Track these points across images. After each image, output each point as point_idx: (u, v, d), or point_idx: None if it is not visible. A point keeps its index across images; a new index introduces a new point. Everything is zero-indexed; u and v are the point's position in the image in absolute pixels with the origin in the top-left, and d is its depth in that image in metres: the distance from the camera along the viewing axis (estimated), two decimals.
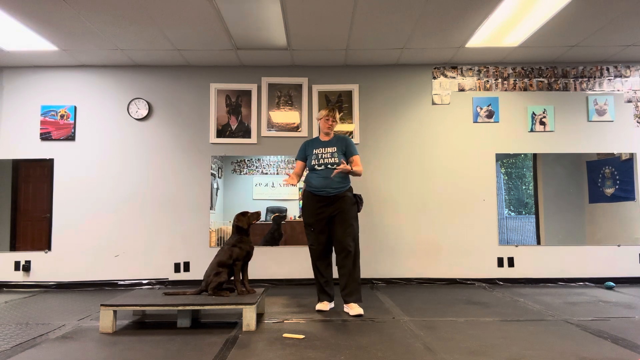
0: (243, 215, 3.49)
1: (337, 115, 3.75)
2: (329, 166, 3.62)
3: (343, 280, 3.57)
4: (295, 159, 3.85)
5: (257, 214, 3.54)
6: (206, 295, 3.32)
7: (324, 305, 3.65)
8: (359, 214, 3.77)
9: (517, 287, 4.79)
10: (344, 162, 3.55)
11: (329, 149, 3.69)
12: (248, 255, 3.44)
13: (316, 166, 3.65)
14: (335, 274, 3.77)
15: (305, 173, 3.86)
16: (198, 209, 5.03)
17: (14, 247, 4.96)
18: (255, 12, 3.91)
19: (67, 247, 4.97)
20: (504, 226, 5.03)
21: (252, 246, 3.48)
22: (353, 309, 3.50)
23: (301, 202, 3.84)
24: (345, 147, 3.74)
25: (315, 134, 5.09)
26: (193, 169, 5.08)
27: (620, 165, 5.05)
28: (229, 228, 5.02)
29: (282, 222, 5.00)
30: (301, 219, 4.99)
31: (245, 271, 3.47)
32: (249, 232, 3.50)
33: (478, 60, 5.10)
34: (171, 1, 3.70)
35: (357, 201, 3.71)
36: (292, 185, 3.56)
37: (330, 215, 3.63)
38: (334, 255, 3.70)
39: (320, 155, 3.67)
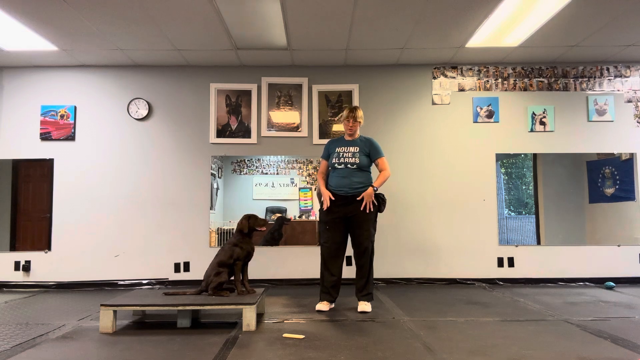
0: (248, 219, 3.48)
1: (359, 114, 3.69)
2: (349, 166, 3.62)
3: (358, 280, 3.66)
4: (321, 158, 3.87)
5: (264, 222, 3.47)
6: (206, 295, 3.32)
7: (324, 305, 3.65)
8: (381, 213, 3.79)
9: (517, 287, 4.79)
10: (366, 197, 3.53)
11: (352, 149, 3.67)
12: (249, 256, 3.44)
13: (336, 165, 3.66)
14: (345, 274, 3.79)
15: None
16: (198, 209, 5.03)
17: (14, 247, 4.96)
18: (255, 12, 3.91)
19: (67, 247, 4.97)
20: (504, 226, 5.03)
21: (253, 247, 3.47)
22: (360, 305, 3.60)
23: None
24: (369, 148, 3.69)
25: (315, 134, 5.09)
26: (193, 169, 5.08)
27: (620, 165, 5.05)
28: (226, 227, 5.03)
29: (286, 223, 4.99)
30: (301, 219, 5.00)
31: (245, 271, 3.47)
32: (251, 235, 3.49)
33: (478, 60, 5.10)
34: (171, 1, 3.70)
35: (379, 201, 3.67)
36: (330, 200, 3.60)
37: (347, 216, 3.62)
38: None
39: (341, 154, 3.67)
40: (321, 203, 3.75)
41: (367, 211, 3.56)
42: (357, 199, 3.57)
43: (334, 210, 3.63)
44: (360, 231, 3.59)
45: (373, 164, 3.74)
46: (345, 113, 3.71)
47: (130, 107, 5.09)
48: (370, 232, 3.61)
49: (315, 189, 5.00)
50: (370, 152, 3.70)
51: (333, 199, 3.60)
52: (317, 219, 4.89)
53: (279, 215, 3.61)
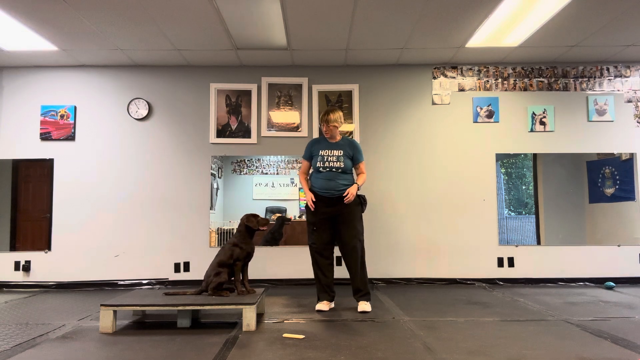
0: (254, 216, 3.49)
1: (332, 118, 3.61)
2: (334, 170, 3.62)
3: (353, 281, 3.67)
4: (302, 158, 3.84)
5: (266, 222, 3.50)
6: (206, 295, 3.32)
7: (324, 305, 3.65)
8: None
9: (517, 287, 4.79)
10: (351, 191, 3.53)
11: (336, 152, 3.65)
12: (248, 256, 3.44)
13: (321, 168, 3.64)
14: (337, 274, 3.79)
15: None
16: (198, 209, 5.03)
17: (14, 247, 4.96)
18: (255, 12, 3.91)
19: (67, 247, 4.97)
20: (504, 226, 5.03)
21: (253, 247, 3.47)
22: (360, 305, 3.61)
23: (302, 202, 3.84)
24: (352, 151, 3.70)
25: (315, 134, 5.08)
26: (193, 169, 5.08)
27: (620, 165, 5.05)
28: (226, 227, 5.03)
29: (287, 223, 4.99)
30: (301, 219, 5.00)
31: (246, 271, 3.47)
32: (252, 235, 3.49)
33: (478, 60, 5.10)
34: (171, 1, 3.70)
35: (361, 202, 3.71)
36: (316, 202, 3.60)
37: (334, 216, 3.64)
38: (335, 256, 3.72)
39: (326, 157, 3.64)
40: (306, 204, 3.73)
41: (347, 200, 3.54)
42: (344, 197, 3.55)
43: (320, 211, 3.63)
44: (346, 229, 3.60)
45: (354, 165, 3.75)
46: (320, 117, 3.67)
47: (130, 107, 5.09)
48: (357, 230, 3.62)
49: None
50: (354, 156, 3.71)
51: (314, 200, 3.61)
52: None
53: (279, 215, 3.59)
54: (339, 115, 3.67)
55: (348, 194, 3.54)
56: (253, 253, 3.47)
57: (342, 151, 3.66)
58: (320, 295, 3.70)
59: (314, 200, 3.62)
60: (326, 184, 3.62)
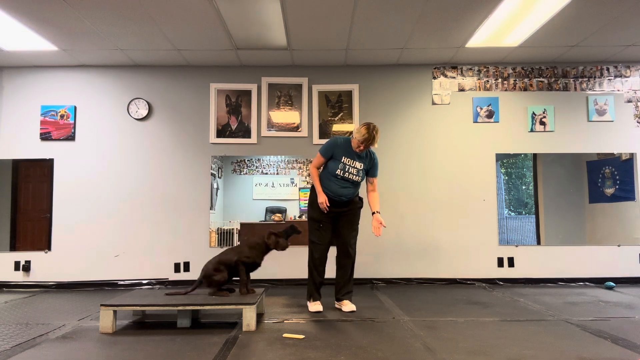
0: (276, 236, 3.48)
1: (377, 138, 3.49)
2: (350, 181, 3.62)
3: (341, 280, 3.70)
4: (320, 152, 3.66)
5: (285, 246, 3.49)
6: (206, 295, 3.32)
7: (319, 305, 3.64)
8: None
9: (517, 287, 4.79)
10: (380, 222, 3.60)
11: (358, 165, 3.61)
12: (254, 265, 3.43)
13: (339, 176, 3.60)
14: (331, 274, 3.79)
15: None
16: (198, 209, 5.03)
17: (14, 247, 4.96)
18: (255, 12, 3.91)
19: (67, 247, 4.96)
20: (504, 226, 5.03)
21: (261, 260, 3.46)
22: (347, 305, 3.63)
23: (309, 198, 3.81)
24: (370, 166, 3.70)
25: (315, 134, 5.08)
26: (193, 169, 5.08)
27: (620, 165, 5.05)
28: (226, 227, 5.03)
29: (296, 234, 4.96)
30: (301, 219, 5.00)
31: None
32: (267, 252, 3.49)
33: (478, 60, 5.10)
34: (171, 1, 3.70)
35: (362, 204, 3.78)
36: (327, 204, 3.57)
37: (338, 215, 3.67)
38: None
39: (347, 167, 3.59)
40: (313, 200, 3.70)
41: (357, 216, 3.73)
42: (377, 234, 3.62)
43: (329, 209, 3.63)
44: (349, 230, 3.68)
45: (367, 178, 3.75)
46: (362, 135, 3.44)
47: (130, 107, 5.09)
48: (356, 231, 3.74)
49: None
50: (370, 171, 3.72)
51: (328, 204, 3.58)
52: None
53: (291, 224, 3.54)
54: (379, 136, 3.57)
55: (379, 227, 3.61)
56: (258, 266, 3.47)
57: (362, 164, 3.65)
58: (314, 295, 3.69)
59: (327, 204, 3.58)
60: (339, 191, 3.62)
